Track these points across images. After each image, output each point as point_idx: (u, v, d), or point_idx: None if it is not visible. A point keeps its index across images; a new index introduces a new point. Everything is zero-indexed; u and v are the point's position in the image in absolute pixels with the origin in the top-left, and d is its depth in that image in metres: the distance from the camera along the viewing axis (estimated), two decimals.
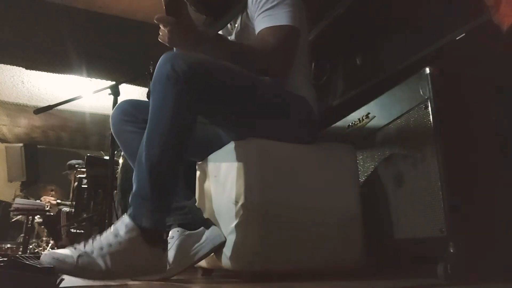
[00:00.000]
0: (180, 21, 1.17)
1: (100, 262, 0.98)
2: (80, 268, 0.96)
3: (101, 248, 0.99)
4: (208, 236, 1.24)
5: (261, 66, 1.28)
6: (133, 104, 1.40)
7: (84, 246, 1.01)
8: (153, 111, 1.11)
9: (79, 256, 0.97)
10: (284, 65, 1.31)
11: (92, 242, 1.01)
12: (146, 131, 1.10)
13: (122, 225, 1.03)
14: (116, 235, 1.01)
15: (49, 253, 0.98)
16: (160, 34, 1.21)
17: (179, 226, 1.27)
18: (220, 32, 1.48)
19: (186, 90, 1.09)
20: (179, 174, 1.13)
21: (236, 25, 1.48)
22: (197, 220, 1.30)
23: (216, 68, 1.18)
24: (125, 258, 1.00)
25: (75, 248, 1.00)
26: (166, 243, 1.12)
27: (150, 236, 1.04)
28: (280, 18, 1.29)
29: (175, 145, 1.10)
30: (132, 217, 1.03)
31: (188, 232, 1.25)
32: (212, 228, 1.26)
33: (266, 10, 1.31)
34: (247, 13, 1.41)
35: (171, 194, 1.11)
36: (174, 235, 1.25)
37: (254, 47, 1.31)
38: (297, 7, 1.34)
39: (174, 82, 1.07)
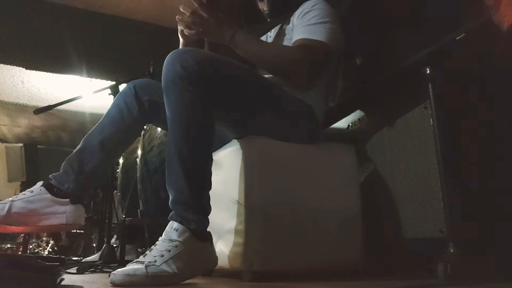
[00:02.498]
0: (218, 14, 1.26)
1: (166, 268, 1.02)
2: (151, 277, 1.00)
3: (162, 256, 1.03)
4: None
5: (283, 71, 1.33)
6: (141, 86, 1.40)
7: (144, 258, 1.04)
8: (172, 115, 1.13)
9: (146, 266, 1.00)
10: (306, 76, 1.34)
11: (150, 253, 1.05)
12: (170, 137, 1.14)
13: (172, 231, 1.08)
14: (170, 240, 1.06)
15: (117, 272, 1.01)
16: (192, 20, 1.27)
17: None
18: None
19: (200, 89, 1.12)
20: (210, 172, 1.17)
21: (275, 31, 1.55)
22: None
23: (224, 66, 1.21)
24: (186, 258, 1.05)
25: (136, 262, 1.03)
26: (211, 236, 1.16)
27: (199, 233, 1.10)
28: (318, 33, 1.34)
29: (204, 145, 1.14)
30: (180, 221, 1.08)
31: None
32: None
33: (308, 25, 1.37)
34: (289, 24, 1.47)
35: (208, 190, 1.15)
36: None
37: (281, 52, 1.37)
38: (338, 32, 1.40)
39: (188, 82, 1.10)
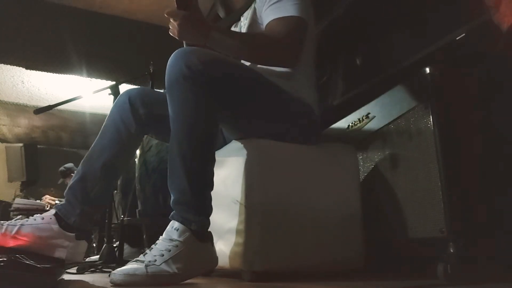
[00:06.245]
0: (190, 15, 1.20)
1: (166, 267, 1.02)
2: (151, 277, 1.00)
3: (162, 255, 1.03)
4: None
5: (269, 55, 1.30)
6: (136, 97, 1.36)
7: (144, 257, 1.04)
8: (176, 115, 1.12)
9: (146, 266, 1.00)
10: (292, 54, 1.32)
11: (150, 252, 1.05)
12: (173, 137, 1.13)
13: (172, 230, 1.08)
14: (170, 240, 1.06)
15: (117, 271, 1.01)
16: (170, 27, 1.24)
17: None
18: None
19: (205, 89, 1.11)
20: (213, 172, 1.16)
21: (244, 20, 1.51)
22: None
23: (228, 66, 1.20)
24: (185, 258, 1.05)
25: (136, 261, 1.03)
26: (212, 236, 1.16)
27: (200, 234, 1.10)
28: (288, 9, 1.31)
29: (206, 146, 1.14)
30: (181, 222, 1.08)
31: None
32: None
33: (273, 3, 1.34)
34: (255, 9, 1.44)
35: (210, 191, 1.15)
36: None
37: (262, 37, 1.33)
38: (304, 2, 1.36)
39: (192, 82, 1.09)
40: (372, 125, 1.47)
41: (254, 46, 1.29)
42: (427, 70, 1.22)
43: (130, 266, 1.02)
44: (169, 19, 1.22)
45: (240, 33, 1.44)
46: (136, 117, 1.34)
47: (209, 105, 1.13)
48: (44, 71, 3.99)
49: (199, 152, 1.12)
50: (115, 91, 2.01)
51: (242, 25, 1.53)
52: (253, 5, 1.46)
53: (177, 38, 1.25)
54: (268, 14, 1.34)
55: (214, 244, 1.17)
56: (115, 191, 2.40)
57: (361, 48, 1.69)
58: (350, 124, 1.58)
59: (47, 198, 4.93)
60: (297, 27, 1.31)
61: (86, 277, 1.39)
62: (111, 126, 1.34)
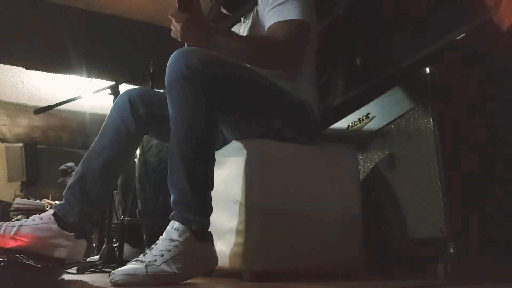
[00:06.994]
0: (192, 17, 1.21)
1: (166, 267, 1.02)
2: (151, 277, 1.00)
3: (162, 255, 1.03)
4: None
5: (270, 58, 1.30)
6: (136, 97, 1.36)
7: (144, 257, 1.04)
8: (176, 114, 1.12)
9: (146, 266, 1.00)
10: (294, 58, 1.32)
11: (150, 252, 1.05)
12: (173, 137, 1.13)
13: (172, 230, 1.08)
14: (170, 240, 1.06)
15: (118, 271, 1.01)
16: (173, 29, 1.25)
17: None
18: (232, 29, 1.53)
19: (205, 89, 1.11)
20: (213, 172, 1.16)
21: (246, 21, 1.51)
22: None
23: (228, 66, 1.20)
24: (186, 258, 1.05)
25: (136, 261, 1.03)
26: (212, 236, 1.16)
27: (200, 234, 1.10)
28: (290, 13, 1.31)
29: (206, 146, 1.14)
30: (181, 221, 1.08)
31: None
32: None
33: (275, 6, 1.33)
34: (257, 11, 1.44)
35: (210, 191, 1.15)
36: None
37: (263, 40, 1.33)
38: (307, 4, 1.36)
39: (192, 82, 1.09)
40: (372, 125, 1.47)
41: (255, 48, 1.29)
42: (427, 70, 1.22)
43: (130, 266, 1.02)
44: (171, 20, 1.23)
45: (241, 36, 1.44)
46: (136, 117, 1.34)
47: (209, 105, 1.13)
48: (44, 71, 4.00)
49: (199, 152, 1.12)
50: (115, 91, 2.01)
51: (244, 27, 1.53)
52: (255, 7, 1.46)
53: (179, 39, 1.25)
54: (270, 17, 1.34)
55: (214, 244, 1.17)
56: (115, 191, 2.40)
57: (361, 48, 1.69)
58: (350, 124, 1.58)
59: (45, 201, 4.94)
60: (299, 31, 1.31)
61: (86, 277, 1.39)
62: (110, 126, 1.34)
